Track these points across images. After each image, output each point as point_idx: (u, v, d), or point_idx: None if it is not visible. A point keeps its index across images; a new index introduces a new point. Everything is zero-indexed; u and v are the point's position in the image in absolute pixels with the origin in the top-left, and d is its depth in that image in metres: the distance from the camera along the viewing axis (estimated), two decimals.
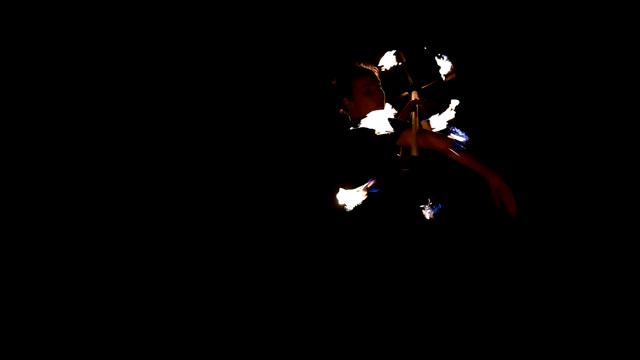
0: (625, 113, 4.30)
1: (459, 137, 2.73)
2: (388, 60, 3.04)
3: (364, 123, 2.81)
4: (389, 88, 3.08)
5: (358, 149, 2.88)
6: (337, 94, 3.02)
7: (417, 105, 2.98)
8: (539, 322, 4.11)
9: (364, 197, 2.69)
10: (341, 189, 2.69)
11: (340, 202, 2.69)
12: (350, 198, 2.69)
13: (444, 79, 3.01)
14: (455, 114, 2.93)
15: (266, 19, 4.34)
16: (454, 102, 2.93)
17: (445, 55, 2.99)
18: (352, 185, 2.76)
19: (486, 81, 4.38)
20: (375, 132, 2.80)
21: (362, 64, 3.02)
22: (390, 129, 2.75)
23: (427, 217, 2.78)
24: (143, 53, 4.28)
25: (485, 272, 4.33)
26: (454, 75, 2.99)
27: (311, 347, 3.86)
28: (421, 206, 2.79)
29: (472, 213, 4.28)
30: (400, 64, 3.03)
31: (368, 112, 2.89)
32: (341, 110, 3.05)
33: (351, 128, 2.95)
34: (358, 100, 2.97)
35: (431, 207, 2.79)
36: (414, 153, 2.67)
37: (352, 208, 2.68)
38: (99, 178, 4.23)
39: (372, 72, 2.99)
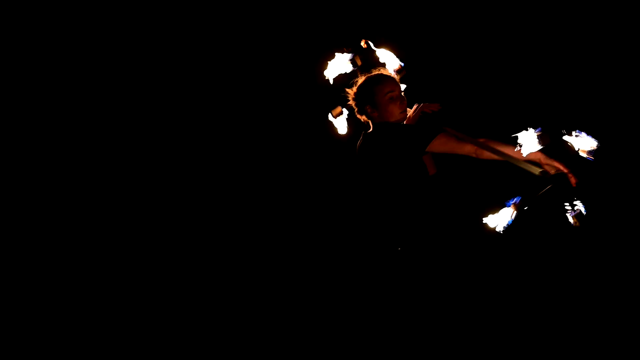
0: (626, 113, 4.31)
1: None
2: (342, 64, 3.02)
3: None
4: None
5: (386, 155, 2.92)
6: (360, 101, 3.03)
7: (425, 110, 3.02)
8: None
9: (513, 215, 2.73)
10: (490, 215, 2.73)
11: (492, 226, 2.71)
12: (500, 219, 2.71)
13: (395, 75, 3.01)
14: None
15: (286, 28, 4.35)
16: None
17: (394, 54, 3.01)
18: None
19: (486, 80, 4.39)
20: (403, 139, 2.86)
21: (382, 70, 3.03)
22: None
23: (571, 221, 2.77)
24: (151, 54, 4.27)
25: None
26: (404, 72, 2.99)
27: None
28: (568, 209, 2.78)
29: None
30: (355, 69, 3.03)
31: (393, 119, 2.95)
32: (363, 117, 3.06)
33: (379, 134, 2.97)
34: (382, 108, 2.98)
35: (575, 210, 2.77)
36: (539, 171, 2.67)
37: (503, 228, 2.71)
38: (98, 178, 4.23)
39: (394, 79, 3.00)
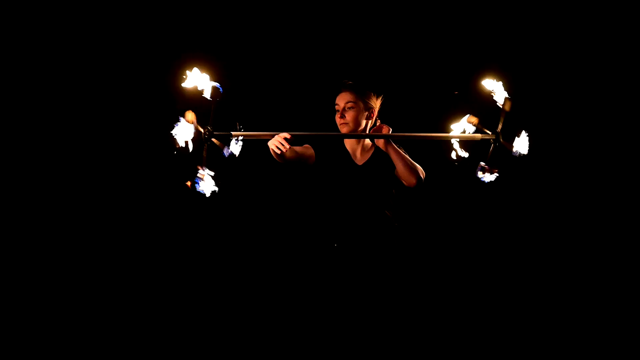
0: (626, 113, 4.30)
1: None
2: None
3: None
4: None
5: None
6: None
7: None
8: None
9: None
10: None
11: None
12: None
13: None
14: None
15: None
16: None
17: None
18: None
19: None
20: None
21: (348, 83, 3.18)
22: None
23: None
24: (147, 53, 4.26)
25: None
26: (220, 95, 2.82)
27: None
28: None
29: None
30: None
31: (340, 129, 3.14)
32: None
33: None
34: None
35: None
36: None
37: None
38: (96, 178, 4.23)
39: (347, 94, 3.14)
